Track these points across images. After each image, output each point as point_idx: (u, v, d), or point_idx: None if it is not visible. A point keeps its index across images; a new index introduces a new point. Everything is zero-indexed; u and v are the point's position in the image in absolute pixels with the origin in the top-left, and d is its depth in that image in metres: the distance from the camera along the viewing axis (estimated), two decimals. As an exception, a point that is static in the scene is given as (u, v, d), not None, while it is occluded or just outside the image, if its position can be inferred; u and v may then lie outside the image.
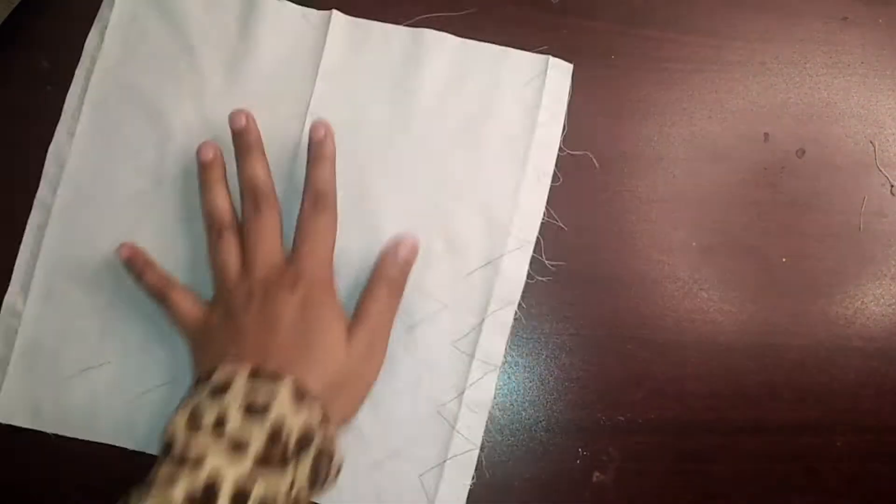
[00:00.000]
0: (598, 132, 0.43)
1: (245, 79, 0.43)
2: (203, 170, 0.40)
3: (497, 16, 0.44)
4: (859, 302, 0.42)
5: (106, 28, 0.43)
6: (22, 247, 0.41)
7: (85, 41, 0.43)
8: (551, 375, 0.41)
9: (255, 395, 0.32)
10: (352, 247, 0.41)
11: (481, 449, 0.40)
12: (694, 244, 0.42)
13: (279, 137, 0.42)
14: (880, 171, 0.43)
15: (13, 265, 0.41)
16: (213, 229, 0.39)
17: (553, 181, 0.42)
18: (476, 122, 0.42)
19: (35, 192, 0.42)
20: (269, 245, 0.38)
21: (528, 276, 0.41)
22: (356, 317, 0.37)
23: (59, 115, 0.43)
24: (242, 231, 0.39)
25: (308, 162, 0.39)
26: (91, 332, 0.40)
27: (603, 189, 0.42)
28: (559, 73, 0.43)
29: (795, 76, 0.44)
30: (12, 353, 0.40)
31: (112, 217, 0.41)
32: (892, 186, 0.43)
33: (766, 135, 0.44)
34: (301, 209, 0.39)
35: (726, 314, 0.42)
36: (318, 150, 0.39)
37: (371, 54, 0.43)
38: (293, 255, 0.38)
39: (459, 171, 0.42)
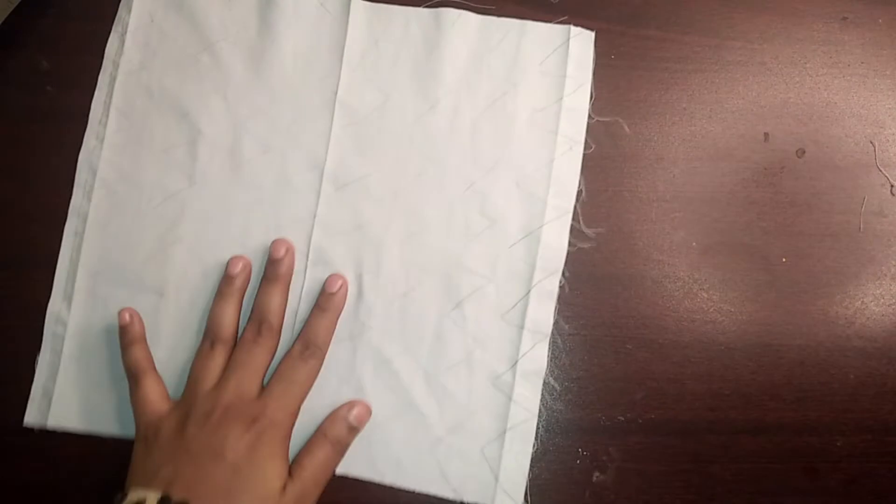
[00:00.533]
0: (597, 132, 0.43)
1: (269, 72, 0.43)
2: (224, 280, 0.40)
3: (497, 16, 0.44)
4: (859, 302, 0.42)
5: (126, 32, 0.43)
6: (61, 255, 0.42)
7: (85, 42, 0.43)
8: (551, 375, 0.41)
9: None
10: (393, 232, 0.41)
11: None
12: (694, 244, 0.42)
13: (308, 128, 0.42)
14: (880, 171, 0.43)
15: (13, 258, 0.41)
16: (208, 338, 0.39)
17: (585, 149, 0.42)
18: (503, 96, 0.42)
19: (37, 191, 0.42)
20: (250, 376, 0.38)
21: (569, 244, 0.41)
22: (294, 468, 0.37)
23: (59, 115, 0.43)
24: (234, 349, 0.39)
25: (313, 308, 0.40)
26: None
27: (603, 189, 0.42)
28: (582, 41, 0.43)
29: (795, 76, 0.44)
30: (61, 360, 0.41)
31: (150, 218, 0.42)
32: (892, 186, 0.43)
33: (766, 135, 0.44)
34: (289, 351, 0.39)
35: (726, 314, 0.42)
36: (326, 301, 0.40)
37: (393, 38, 0.43)
38: (265, 392, 0.38)
39: (491, 145, 0.42)
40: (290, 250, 0.41)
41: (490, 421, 0.40)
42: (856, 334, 0.42)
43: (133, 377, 0.39)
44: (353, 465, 0.39)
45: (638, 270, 0.42)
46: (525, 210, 0.41)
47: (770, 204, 0.43)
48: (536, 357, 0.40)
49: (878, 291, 0.42)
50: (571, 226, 0.41)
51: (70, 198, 0.42)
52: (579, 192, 0.42)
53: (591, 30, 0.43)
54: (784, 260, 0.42)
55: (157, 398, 0.38)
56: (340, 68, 0.43)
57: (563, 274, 0.41)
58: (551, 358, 0.41)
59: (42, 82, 0.43)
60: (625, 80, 0.44)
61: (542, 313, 0.40)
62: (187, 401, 0.38)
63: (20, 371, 0.41)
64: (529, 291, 0.40)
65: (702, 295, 0.42)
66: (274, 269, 0.40)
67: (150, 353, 0.40)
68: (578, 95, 0.43)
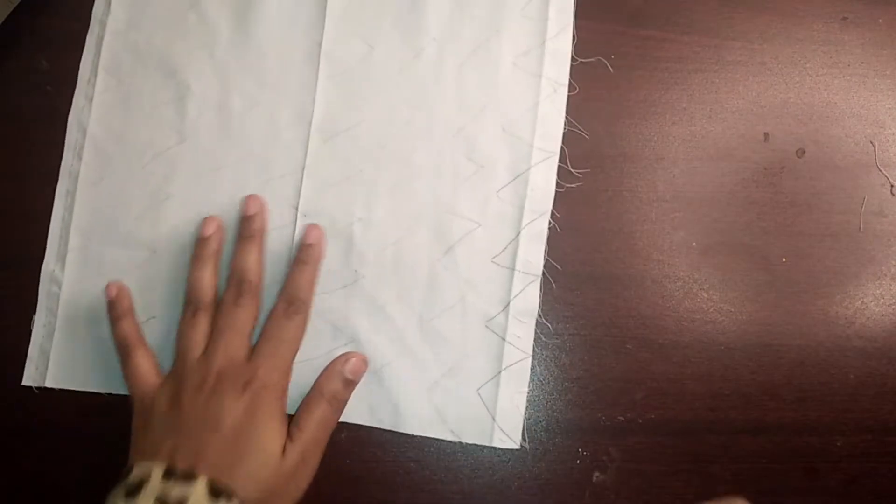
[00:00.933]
0: (598, 132, 0.43)
1: (254, 27, 0.43)
2: (199, 243, 0.40)
3: None
4: (859, 302, 0.42)
5: None
6: (53, 215, 0.42)
7: (84, 41, 0.43)
8: (551, 375, 0.41)
9: (168, 496, 0.32)
10: (382, 181, 0.42)
11: (481, 449, 0.40)
12: (694, 244, 0.42)
13: (295, 82, 0.43)
14: (880, 171, 0.43)
15: (13, 258, 0.41)
16: (190, 305, 0.39)
17: (569, 91, 0.42)
18: (486, 41, 0.43)
19: (36, 190, 0.42)
20: (237, 339, 0.38)
21: (557, 185, 0.41)
22: (293, 429, 0.37)
23: (59, 115, 0.43)
24: (216, 313, 0.39)
25: (293, 263, 0.40)
26: (132, 290, 0.41)
27: (603, 189, 0.42)
28: None
29: (795, 76, 0.44)
30: (57, 319, 0.41)
31: (140, 176, 0.42)
32: (892, 186, 0.43)
33: (766, 135, 0.44)
34: (273, 309, 0.39)
35: (726, 314, 0.42)
36: (305, 253, 0.40)
37: None
38: (254, 353, 0.38)
39: (476, 91, 0.42)
40: (262, 206, 0.40)
41: (485, 362, 0.40)
42: (856, 334, 0.42)
43: (123, 352, 0.39)
44: (352, 412, 0.40)
45: (638, 270, 0.42)
46: (512, 154, 0.42)
47: (770, 204, 0.43)
48: (528, 297, 0.40)
49: (878, 291, 0.42)
50: (559, 167, 0.42)
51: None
52: (565, 134, 0.42)
53: (591, 31, 0.43)
54: (784, 260, 0.42)
55: (147, 371, 0.38)
56: (324, 20, 0.43)
57: (553, 215, 0.41)
58: (552, 357, 0.41)
59: (42, 82, 0.43)
60: (625, 80, 0.43)
61: (533, 254, 0.41)
62: (178, 371, 0.38)
63: (22, 370, 0.41)
64: (519, 233, 0.41)
65: (702, 295, 0.42)
66: (247, 226, 0.40)
67: (138, 326, 0.40)
68: (561, 38, 0.43)
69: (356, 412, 0.40)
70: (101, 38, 0.43)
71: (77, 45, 0.44)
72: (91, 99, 0.43)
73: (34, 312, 0.41)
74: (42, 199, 0.42)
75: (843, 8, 0.45)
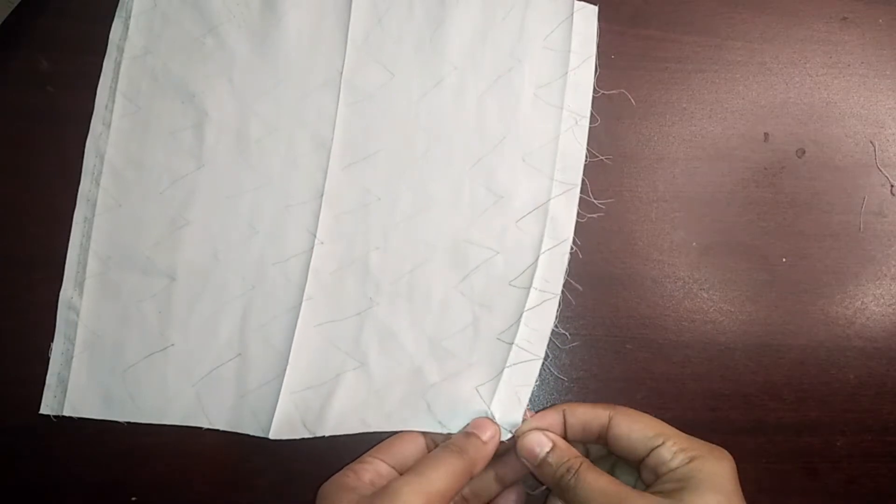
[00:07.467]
0: (598, 132, 0.43)
1: (273, 52, 0.43)
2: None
3: None
4: (859, 302, 0.42)
5: (129, 17, 0.44)
6: (71, 242, 0.42)
7: (85, 42, 0.43)
8: (551, 375, 0.41)
9: None
10: (400, 210, 0.42)
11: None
12: (694, 244, 0.42)
13: (314, 108, 0.43)
14: (880, 171, 0.43)
15: (14, 258, 0.41)
16: None
17: (591, 122, 0.42)
18: (508, 72, 0.43)
19: (36, 190, 0.42)
20: None
21: (578, 215, 0.41)
22: None
23: (59, 114, 0.43)
24: None
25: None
26: (150, 317, 0.41)
27: (603, 189, 0.42)
28: (585, 15, 0.43)
29: (795, 76, 0.44)
30: (75, 347, 0.41)
31: (159, 202, 0.42)
32: (892, 186, 0.43)
33: (766, 135, 0.44)
34: None
35: (726, 314, 0.42)
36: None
37: (397, 15, 0.44)
38: None
39: (496, 121, 0.42)
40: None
41: (489, 366, 0.39)
42: (856, 334, 0.42)
43: None
44: (345, 425, 0.39)
45: (638, 270, 0.42)
46: (532, 185, 0.41)
47: (770, 204, 0.43)
48: (544, 311, 0.40)
49: (878, 291, 0.42)
50: (581, 197, 0.41)
51: (70, 197, 0.42)
52: (587, 165, 0.42)
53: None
54: (784, 260, 0.42)
55: None
56: (345, 47, 0.43)
57: (574, 241, 0.41)
58: (552, 357, 0.41)
59: (42, 82, 0.43)
60: (625, 80, 0.43)
61: (551, 274, 0.40)
62: None
63: (23, 371, 0.41)
64: (538, 258, 0.40)
65: (702, 295, 0.42)
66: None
67: None
68: (583, 70, 0.43)
69: (348, 424, 0.39)
70: (118, 64, 0.43)
71: (78, 46, 0.44)
72: (109, 125, 0.42)
73: (52, 340, 0.41)
74: (43, 199, 0.42)
75: (843, 8, 0.45)
